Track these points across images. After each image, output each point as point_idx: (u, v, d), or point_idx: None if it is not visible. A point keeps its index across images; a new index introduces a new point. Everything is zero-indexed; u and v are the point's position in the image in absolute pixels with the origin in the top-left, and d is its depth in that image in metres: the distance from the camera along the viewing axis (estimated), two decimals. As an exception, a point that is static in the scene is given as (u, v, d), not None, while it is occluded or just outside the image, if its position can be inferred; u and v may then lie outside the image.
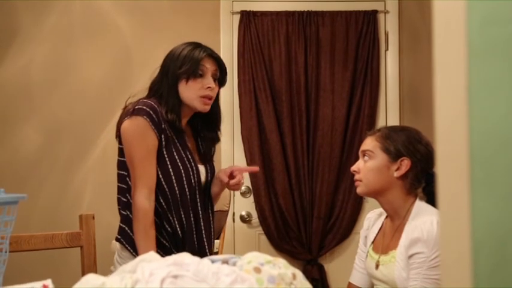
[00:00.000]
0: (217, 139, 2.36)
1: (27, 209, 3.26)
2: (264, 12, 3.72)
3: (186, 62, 2.18)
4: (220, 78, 2.27)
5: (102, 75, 3.69)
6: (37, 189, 3.60)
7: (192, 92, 2.19)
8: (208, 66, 2.21)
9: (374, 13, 3.75)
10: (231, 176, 2.29)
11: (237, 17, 3.74)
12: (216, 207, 3.10)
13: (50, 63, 3.67)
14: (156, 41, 3.67)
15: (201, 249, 2.21)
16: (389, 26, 3.79)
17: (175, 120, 2.16)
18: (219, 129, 2.35)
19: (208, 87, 2.19)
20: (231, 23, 3.75)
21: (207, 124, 2.32)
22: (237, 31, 3.73)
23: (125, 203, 2.20)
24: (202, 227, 2.23)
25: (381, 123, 3.74)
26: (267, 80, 3.67)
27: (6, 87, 3.65)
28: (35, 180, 3.62)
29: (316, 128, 3.71)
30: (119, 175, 2.22)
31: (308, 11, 3.72)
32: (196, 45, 2.24)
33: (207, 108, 2.22)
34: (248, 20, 3.70)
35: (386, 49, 3.79)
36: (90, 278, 1.16)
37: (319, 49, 3.72)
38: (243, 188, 3.72)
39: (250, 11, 3.71)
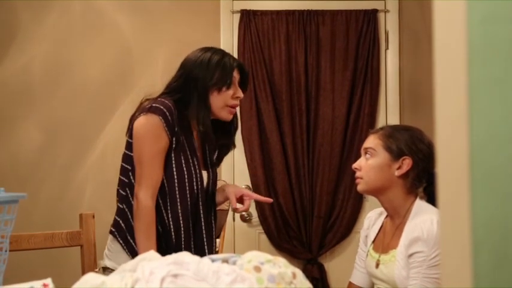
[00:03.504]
0: (233, 146, 2.37)
1: (27, 208, 3.26)
2: (264, 11, 3.72)
3: (216, 72, 2.18)
4: (243, 85, 2.28)
5: (102, 74, 3.69)
6: (37, 188, 3.60)
7: (221, 102, 2.20)
8: (236, 76, 2.23)
9: (374, 12, 3.75)
10: (241, 199, 2.29)
11: (237, 16, 3.74)
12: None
13: (50, 62, 3.67)
14: (156, 40, 3.67)
15: (200, 254, 2.19)
16: (389, 25, 3.79)
17: (207, 131, 2.18)
18: (234, 135, 2.36)
19: (237, 97, 2.22)
20: (231, 22, 3.75)
21: (223, 131, 2.32)
22: (237, 30, 3.73)
23: (123, 197, 2.19)
24: (204, 232, 2.22)
25: (381, 122, 3.74)
26: (267, 79, 3.67)
27: (6, 86, 3.65)
28: (35, 179, 3.62)
29: (316, 127, 3.71)
30: (122, 168, 2.22)
31: (308, 10, 3.72)
32: (223, 54, 2.25)
33: (231, 117, 2.25)
34: (248, 19, 3.70)
35: (387, 48, 3.78)
36: (90, 277, 1.16)
37: (319, 48, 3.71)
38: (243, 187, 3.71)
39: (250, 10, 3.71)
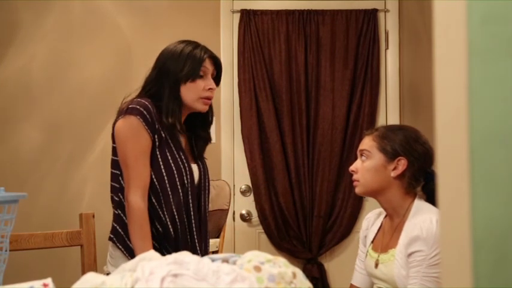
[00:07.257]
0: (209, 139, 2.35)
1: (27, 207, 3.26)
2: (264, 11, 3.72)
3: (187, 64, 2.17)
4: (217, 78, 2.27)
5: (102, 74, 3.69)
6: (37, 187, 3.60)
7: (193, 93, 2.18)
8: (209, 67, 2.21)
9: (374, 12, 3.75)
10: None
11: (237, 16, 3.74)
12: (216, 206, 3.10)
13: (50, 62, 3.67)
14: (156, 39, 3.65)
15: (193, 250, 2.20)
16: (389, 25, 3.79)
17: (175, 123, 2.15)
18: (209, 128, 2.35)
19: (210, 89, 2.20)
20: (231, 22, 3.75)
21: (202, 123, 2.32)
22: (237, 30, 3.73)
23: (117, 202, 2.19)
24: (194, 228, 2.22)
25: (381, 121, 3.74)
26: (267, 78, 3.67)
27: (6, 86, 3.65)
28: (35, 178, 3.62)
29: (316, 127, 3.71)
30: (112, 174, 2.21)
31: (308, 9, 3.72)
32: (195, 45, 2.23)
33: (207, 108, 2.23)
34: (248, 18, 3.70)
35: (387, 48, 3.79)
36: (90, 277, 1.16)
37: (319, 48, 3.72)
38: (243, 186, 3.72)
39: (250, 9, 3.71)
